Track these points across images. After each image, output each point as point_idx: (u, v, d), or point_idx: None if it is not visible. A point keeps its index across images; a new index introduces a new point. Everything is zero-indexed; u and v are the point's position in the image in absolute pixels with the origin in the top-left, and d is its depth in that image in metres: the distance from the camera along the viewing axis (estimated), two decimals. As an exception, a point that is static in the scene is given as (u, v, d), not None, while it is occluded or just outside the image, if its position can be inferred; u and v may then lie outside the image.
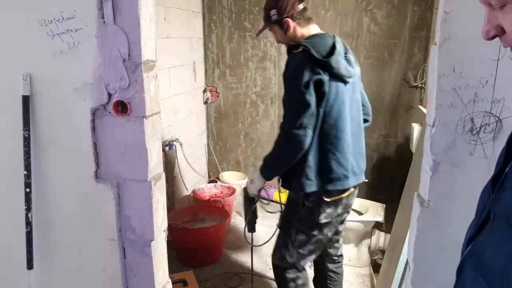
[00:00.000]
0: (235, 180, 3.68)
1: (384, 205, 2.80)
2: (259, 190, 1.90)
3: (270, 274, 2.42)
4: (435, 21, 1.46)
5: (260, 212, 2.08)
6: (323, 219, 1.77)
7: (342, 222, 1.98)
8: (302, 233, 1.82)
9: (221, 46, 3.67)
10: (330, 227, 1.85)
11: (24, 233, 1.47)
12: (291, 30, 1.77)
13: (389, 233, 2.62)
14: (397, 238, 2.14)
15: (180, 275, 2.35)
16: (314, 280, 2.19)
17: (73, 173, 1.45)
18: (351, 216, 2.73)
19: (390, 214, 2.71)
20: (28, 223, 1.47)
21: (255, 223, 2.02)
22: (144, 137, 1.36)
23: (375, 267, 2.73)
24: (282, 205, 2.00)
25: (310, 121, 1.63)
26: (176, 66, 3.18)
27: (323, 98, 1.65)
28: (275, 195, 3.09)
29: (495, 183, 0.67)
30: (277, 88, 3.63)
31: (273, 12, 1.76)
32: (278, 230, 1.94)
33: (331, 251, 2.05)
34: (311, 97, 1.62)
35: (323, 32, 1.81)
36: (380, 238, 2.79)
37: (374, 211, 2.72)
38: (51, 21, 1.32)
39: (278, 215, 1.99)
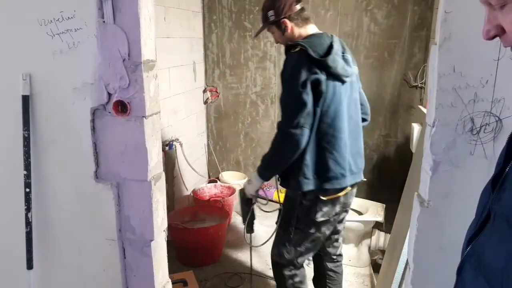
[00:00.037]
0: (235, 180, 3.68)
1: (384, 205, 2.80)
2: (257, 191, 1.91)
3: (270, 273, 2.43)
4: (435, 21, 1.46)
5: (259, 212, 2.08)
6: (319, 217, 1.78)
7: (340, 221, 1.98)
8: (300, 231, 1.83)
9: (221, 46, 3.67)
10: (328, 226, 1.86)
11: (24, 233, 1.47)
12: (289, 31, 1.78)
13: (389, 233, 2.62)
14: (397, 238, 2.14)
15: (180, 275, 2.35)
16: (314, 280, 2.19)
17: (73, 173, 1.45)
18: (351, 216, 2.74)
19: (390, 214, 2.71)
20: (28, 223, 1.47)
21: (253, 224, 2.02)
22: (144, 137, 1.36)
23: (375, 267, 2.73)
24: (281, 204, 2.00)
25: (307, 120, 1.65)
26: (176, 66, 3.18)
27: (320, 98, 1.66)
28: (274, 195, 3.09)
29: (495, 183, 0.67)
30: (277, 88, 3.63)
31: (270, 13, 1.78)
32: (277, 227, 1.95)
33: (330, 250, 2.06)
34: (308, 97, 1.63)
35: (321, 32, 1.82)
36: (380, 238, 2.79)
37: (374, 211, 2.72)
38: (51, 21, 1.32)
39: (277, 214, 1.99)
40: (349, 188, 1.81)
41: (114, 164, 1.41)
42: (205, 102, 3.80)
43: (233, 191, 3.37)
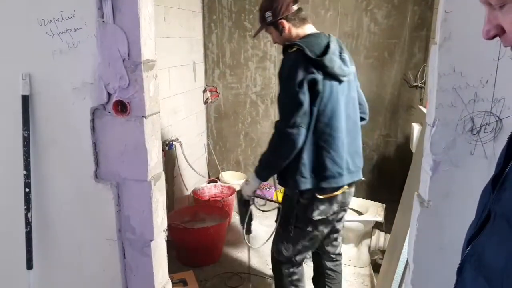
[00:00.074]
0: (235, 180, 3.68)
1: (384, 205, 2.80)
2: (254, 192, 1.92)
3: (270, 273, 2.43)
4: (435, 20, 1.46)
5: (259, 212, 2.07)
6: (316, 216, 1.79)
7: (339, 220, 1.99)
8: (298, 229, 1.85)
9: (221, 46, 3.67)
10: (325, 224, 1.87)
11: (24, 233, 1.47)
12: (286, 31, 1.80)
13: (389, 233, 2.62)
14: (397, 238, 2.14)
15: (180, 275, 2.35)
16: (313, 279, 2.20)
17: (72, 173, 1.45)
18: (351, 216, 2.74)
19: (390, 214, 2.71)
20: (28, 223, 1.47)
21: (250, 225, 2.02)
22: (143, 136, 1.36)
23: (375, 267, 2.73)
24: (280, 203, 2.01)
25: (303, 120, 1.66)
26: (176, 66, 3.18)
27: (317, 97, 1.67)
28: (274, 195, 3.09)
29: (496, 183, 0.67)
30: (277, 88, 3.62)
31: (268, 14, 1.79)
32: (276, 226, 1.97)
33: (329, 248, 2.06)
34: (304, 96, 1.64)
35: (318, 31, 1.83)
36: (380, 238, 2.79)
37: (374, 211, 2.72)
38: (51, 20, 1.32)
39: (276, 213, 1.99)
40: (346, 187, 1.82)
41: (114, 164, 1.41)
42: (205, 102, 3.80)
43: (233, 191, 3.37)
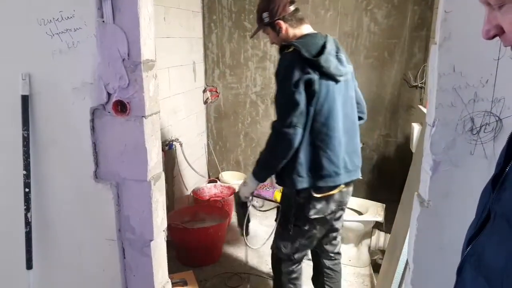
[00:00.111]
0: (235, 180, 3.67)
1: (384, 205, 2.80)
2: (252, 193, 1.93)
3: (270, 273, 2.42)
4: (435, 20, 1.46)
5: (259, 212, 2.08)
6: (313, 214, 1.80)
7: (337, 219, 2.00)
8: (296, 228, 1.86)
9: (221, 46, 3.67)
10: (323, 223, 1.88)
11: (24, 233, 1.47)
12: (283, 32, 1.81)
13: (389, 233, 2.62)
14: (397, 238, 2.14)
15: (180, 275, 2.35)
16: (313, 279, 2.20)
17: (72, 173, 1.45)
18: (351, 216, 2.74)
19: (390, 214, 2.71)
20: (28, 223, 1.47)
21: (248, 226, 2.03)
22: (143, 136, 1.36)
23: (375, 267, 2.72)
24: (279, 202, 2.03)
25: (300, 119, 1.67)
26: (176, 66, 3.18)
27: (313, 97, 1.68)
28: (274, 195, 3.09)
29: (496, 183, 0.66)
30: (277, 88, 3.62)
31: (265, 14, 1.81)
32: (276, 225, 1.98)
33: (328, 247, 2.07)
34: (301, 96, 1.65)
35: (315, 32, 1.84)
36: (380, 238, 2.78)
37: (374, 211, 2.72)
38: (50, 20, 1.32)
39: (276, 212, 2.01)
40: (342, 186, 1.83)
41: (113, 164, 1.41)
42: (205, 102, 3.80)
43: (233, 191, 3.37)
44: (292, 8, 1.80)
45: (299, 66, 1.65)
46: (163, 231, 1.55)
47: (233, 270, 2.73)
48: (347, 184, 1.86)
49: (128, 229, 1.46)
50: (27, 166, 1.43)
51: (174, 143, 3.13)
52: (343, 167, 1.78)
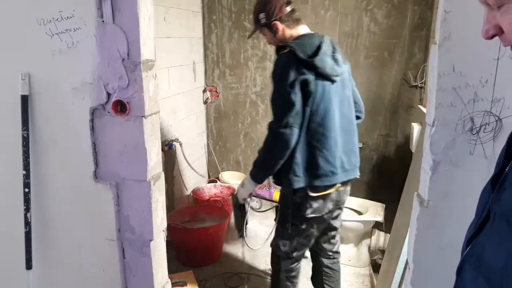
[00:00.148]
0: (235, 180, 3.67)
1: (384, 205, 2.80)
2: (250, 194, 1.95)
3: (269, 272, 2.42)
4: (435, 20, 1.46)
5: (258, 212, 2.09)
6: (309, 213, 1.82)
7: (335, 218, 2.01)
8: (294, 226, 1.88)
9: (221, 46, 3.67)
10: (320, 222, 1.90)
11: (23, 233, 1.47)
12: (280, 32, 1.82)
13: (389, 233, 2.62)
14: (397, 238, 2.14)
15: (180, 275, 2.34)
16: (312, 278, 2.21)
17: (72, 173, 1.45)
18: (351, 216, 2.74)
19: (390, 214, 2.71)
20: (27, 223, 1.47)
21: (245, 229, 2.04)
22: (143, 136, 1.36)
23: (375, 267, 2.72)
24: (278, 202, 2.04)
25: (296, 120, 1.68)
26: (175, 66, 3.18)
27: (309, 97, 1.69)
28: (274, 195, 3.09)
29: (495, 183, 0.66)
30: (277, 88, 3.62)
31: (261, 15, 1.82)
32: (276, 224, 2.00)
33: (326, 246, 2.08)
34: (296, 97, 1.67)
35: (312, 32, 1.86)
36: (380, 238, 2.78)
37: (374, 211, 2.72)
38: (50, 20, 1.32)
39: (275, 211, 2.02)
40: (338, 185, 1.84)
41: (113, 164, 1.41)
42: (205, 102, 3.79)
43: (233, 191, 3.37)
44: (288, 9, 1.81)
45: (295, 67, 1.66)
46: (163, 231, 1.55)
47: (233, 270, 2.73)
48: (344, 183, 1.87)
49: (127, 229, 1.46)
50: (26, 166, 1.43)
51: (174, 143, 3.13)
52: (340, 167, 1.79)
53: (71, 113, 1.39)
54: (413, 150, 2.62)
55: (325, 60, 1.69)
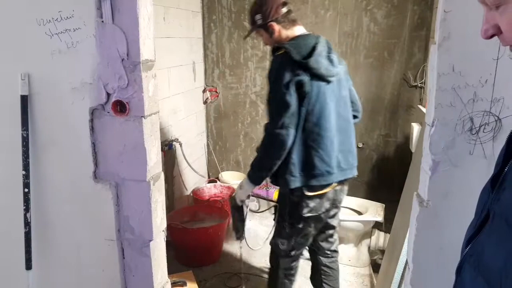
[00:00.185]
0: (235, 180, 3.67)
1: (384, 205, 2.80)
2: (248, 196, 1.96)
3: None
4: (435, 20, 1.46)
5: (258, 213, 2.09)
6: (306, 213, 1.83)
7: (332, 216, 2.02)
8: (292, 226, 1.89)
9: (220, 46, 3.67)
10: (317, 221, 1.91)
11: (23, 233, 1.47)
12: (276, 33, 1.83)
13: (389, 233, 2.62)
14: (397, 238, 2.14)
15: (179, 275, 2.34)
16: (311, 278, 2.22)
17: (71, 173, 1.45)
18: (351, 216, 2.74)
19: (389, 214, 2.71)
20: (27, 223, 1.46)
21: (243, 231, 2.05)
22: (142, 137, 1.36)
23: (375, 267, 2.72)
24: (276, 201, 2.05)
25: (291, 120, 1.70)
26: (175, 66, 3.18)
27: (304, 98, 1.70)
28: (274, 195, 3.09)
29: (495, 183, 0.66)
30: (276, 88, 3.62)
31: (258, 16, 1.83)
32: (275, 223, 2.01)
33: (324, 244, 2.09)
34: (291, 98, 1.68)
35: (308, 33, 1.87)
36: (379, 238, 2.78)
37: (373, 211, 2.72)
38: (50, 20, 1.32)
39: (274, 210, 2.04)
40: (335, 184, 1.85)
41: (113, 164, 1.41)
42: (205, 102, 3.79)
43: (233, 191, 3.37)
44: (284, 10, 1.82)
45: (290, 68, 1.68)
46: (163, 231, 1.55)
47: (233, 270, 2.73)
48: (341, 182, 1.89)
49: (127, 229, 1.46)
50: (26, 166, 1.43)
51: (174, 143, 3.13)
52: (336, 166, 1.80)
53: (70, 113, 1.39)
54: (413, 150, 2.62)
55: (320, 61, 1.70)
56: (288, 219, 1.88)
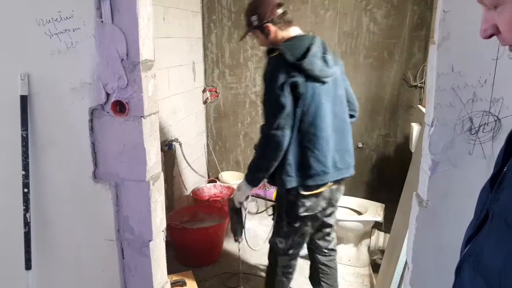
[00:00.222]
0: (235, 180, 3.67)
1: (384, 205, 2.80)
2: (247, 198, 1.97)
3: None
4: (435, 20, 1.46)
5: (257, 214, 2.10)
6: (302, 212, 1.84)
7: (329, 215, 2.03)
8: (289, 225, 1.91)
9: (220, 46, 3.67)
10: (314, 220, 1.92)
11: (22, 233, 1.47)
12: (272, 34, 1.84)
13: (389, 233, 2.62)
14: (397, 238, 2.14)
15: (179, 275, 2.34)
16: (310, 277, 2.23)
17: (71, 173, 1.45)
18: (351, 216, 2.74)
19: (389, 214, 2.71)
20: (26, 223, 1.46)
21: (241, 233, 2.05)
22: (142, 137, 1.36)
23: (375, 267, 2.72)
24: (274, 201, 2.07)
25: (287, 121, 1.71)
26: (175, 66, 3.18)
27: (299, 99, 1.72)
28: (274, 195, 3.09)
29: (494, 183, 0.67)
30: (276, 88, 3.62)
31: (253, 18, 1.84)
32: (274, 222, 2.03)
33: (321, 243, 2.10)
34: (286, 99, 1.69)
35: (303, 33, 1.88)
36: (379, 238, 2.78)
37: (373, 211, 2.72)
38: (49, 20, 1.32)
39: (272, 209, 2.07)
40: (330, 184, 1.86)
41: (112, 164, 1.41)
42: (205, 102, 3.79)
43: (233, 191, 3.37)
44: (280, 11, 1.83)
45: (284, 70, 1.69)
46: (162, 231, 1.55)
47: (232, 270, 2.73)
48: (338, 182, 1.90)
49: (127, 229, 1.46)
50: (26, 166, 1.43)
51: (174, 143, 3.13)
52: (332, 166, 1.82)
53: (70, 113, 1.39)
54: (412, 150, 2.62)
55: (314, 62, 1.71)
56: (286, 218, 1.90)
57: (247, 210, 2.04)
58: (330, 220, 2.06)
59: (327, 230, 2.09)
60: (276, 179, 1.84)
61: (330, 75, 1.78)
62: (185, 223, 2.88)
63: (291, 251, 1.98)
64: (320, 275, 2.12)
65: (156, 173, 1.46)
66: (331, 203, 1.96)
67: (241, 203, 1.99)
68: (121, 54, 1.30)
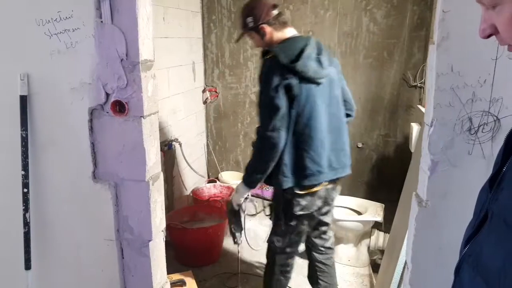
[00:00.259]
0: (235, 180, 3.67)
1: (383, 205, 2.80)
2: (245, 199, 1.99)
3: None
4: (434, 20, 1.46)
5: (258, 211, 2.10)
6: (298, 211, 1.86)
7: (325, 214, 2.04)
8: (286, 224, 1.92)
9: (220, 46, 3.67)
10: (310, 219, 1.94)
11: (22, 233, 1.47)
12: (268, 35, 1.85)
13: (388, 233, 2.62)
14: (396, 238, 2.14)
15: (179, 275, 2.34)
16: (308, 276, 2.23)
17: (71, 173, 1.45)
18: (351, 216, 2.74)
19: (389, 214, 2.71)
20: (26, 224, 1.46)
21: (240, 236, 2.06)
22: (142, 137, 1.36)
23: (374, 267, 2.72)
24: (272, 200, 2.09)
25: (282, 123, 1.73)
26: (175, 66, 3.18)
27: (294, 101, 1.73)
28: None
29: (493, 183, 0.67)
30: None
31: (249, 19, 1.85)
32: (272, 222, 2.04)
33: (317, 241, 2.11)
34: (280, 101, 1.71)
35: (298, 35, 1.89)
36: (379, 238, 2.78)
37: (373, 211, 2.72)
38: (49, 21, 1.32)
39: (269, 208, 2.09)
40: (326, 183, 1.87)
41: (112, 164, 1.41)
42: (205, 102, 3.79)
43: (232, 191, 3.36)
44: (275, 12, 1.84)
45: (279, 72, 1.70)
46: (162, 231, 1.55)
47: (232, 270, 2.73)
48: (334, 181, 1.92)
49: (126, 229, 1.46)
50: (25, 166, 1.43)
51: (174, 143, 3.13)
52: (327, 166, 1.83)
53: (69, 114, 1.39)
54: (412, 150, 2.62)
55: (308, 64, 1.72)
56: (283, 218, 1.92)
57: (245, 212, 2.05)
58: (326, 219, 2.07)
59: (324, 228, 2.10)
60: (272, 179, 1.85)
61: (324, 76, 1.78)
62: (185, 223, 2.88)
63: (288, 250, 1.99)
64: (318, 273, 2.13)
65: (156, 173, 1.46)
66: (327, 202, 1.98)
67: (239, 205, 2.00)
68: (120, 54, 1.30)
